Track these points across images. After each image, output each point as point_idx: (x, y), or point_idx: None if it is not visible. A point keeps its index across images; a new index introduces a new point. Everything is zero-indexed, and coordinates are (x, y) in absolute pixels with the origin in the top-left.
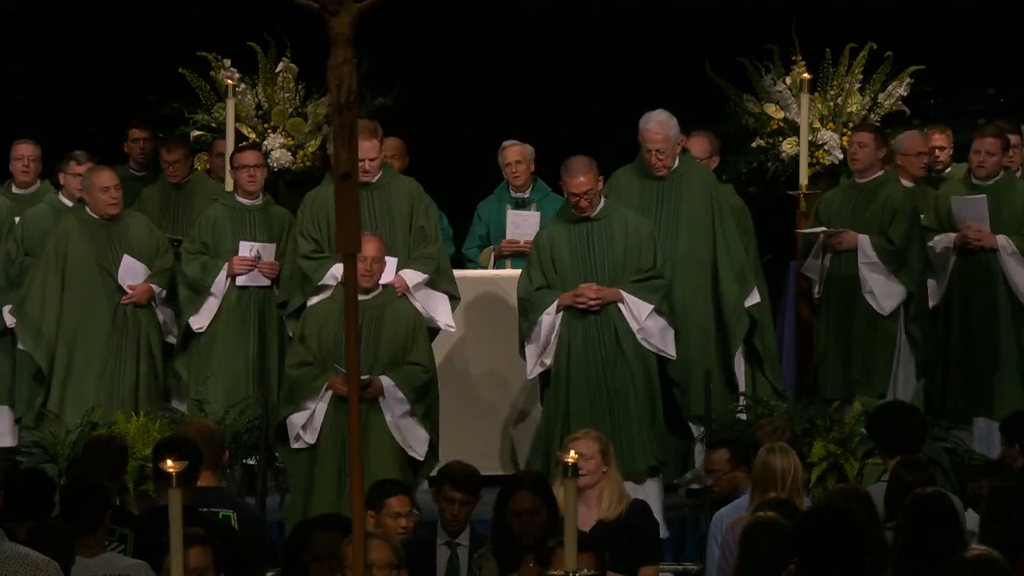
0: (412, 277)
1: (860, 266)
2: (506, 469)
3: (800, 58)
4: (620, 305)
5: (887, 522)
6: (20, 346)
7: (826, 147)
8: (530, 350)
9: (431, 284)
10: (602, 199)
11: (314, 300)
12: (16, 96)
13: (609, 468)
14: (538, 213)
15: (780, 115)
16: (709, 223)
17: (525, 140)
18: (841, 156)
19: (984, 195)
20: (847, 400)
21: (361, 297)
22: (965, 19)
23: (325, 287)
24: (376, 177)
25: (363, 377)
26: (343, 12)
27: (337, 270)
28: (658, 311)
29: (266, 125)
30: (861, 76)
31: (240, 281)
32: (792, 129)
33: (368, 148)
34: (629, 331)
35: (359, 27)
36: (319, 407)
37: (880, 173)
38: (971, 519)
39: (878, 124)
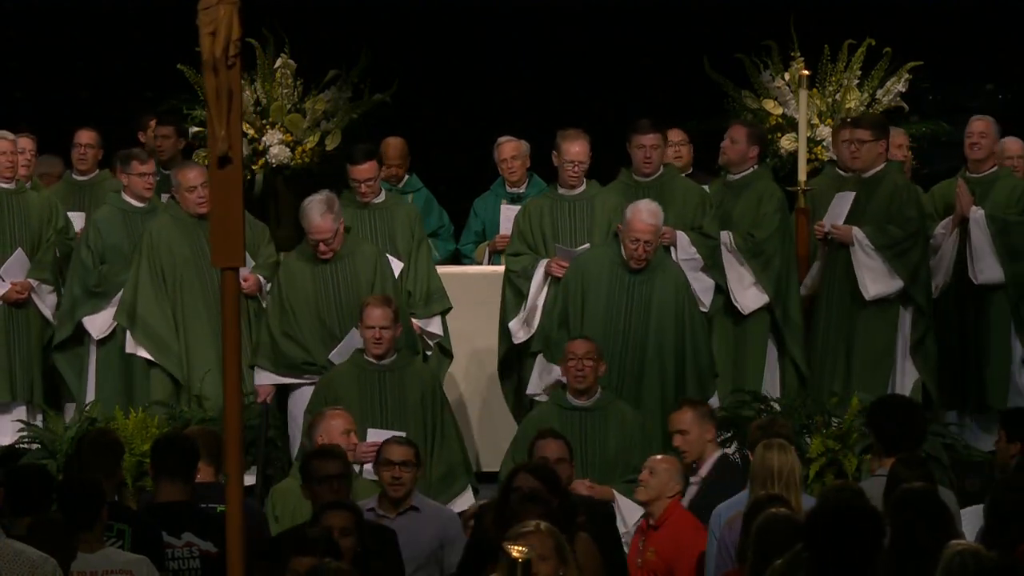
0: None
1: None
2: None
3: (798, 54)
4: (612, 503)
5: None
6: (142, 354)
7: (824, 143)
8: None
9: None
10: (599, 390)
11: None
12: (15, 91)
13: (567, 568)
14: None
15: (778, 111)
16: (680, 323)
17: (524, 139)
18: None
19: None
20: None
21: None
22: (963, 15)
23: None
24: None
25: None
26: None
27: None
28: None
29: (264, 121)
30: (859, 72)
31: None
32: (790, 125)
33: (380, 316)
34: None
35: (362, 22)
36: None
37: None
38: (966, 517)
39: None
